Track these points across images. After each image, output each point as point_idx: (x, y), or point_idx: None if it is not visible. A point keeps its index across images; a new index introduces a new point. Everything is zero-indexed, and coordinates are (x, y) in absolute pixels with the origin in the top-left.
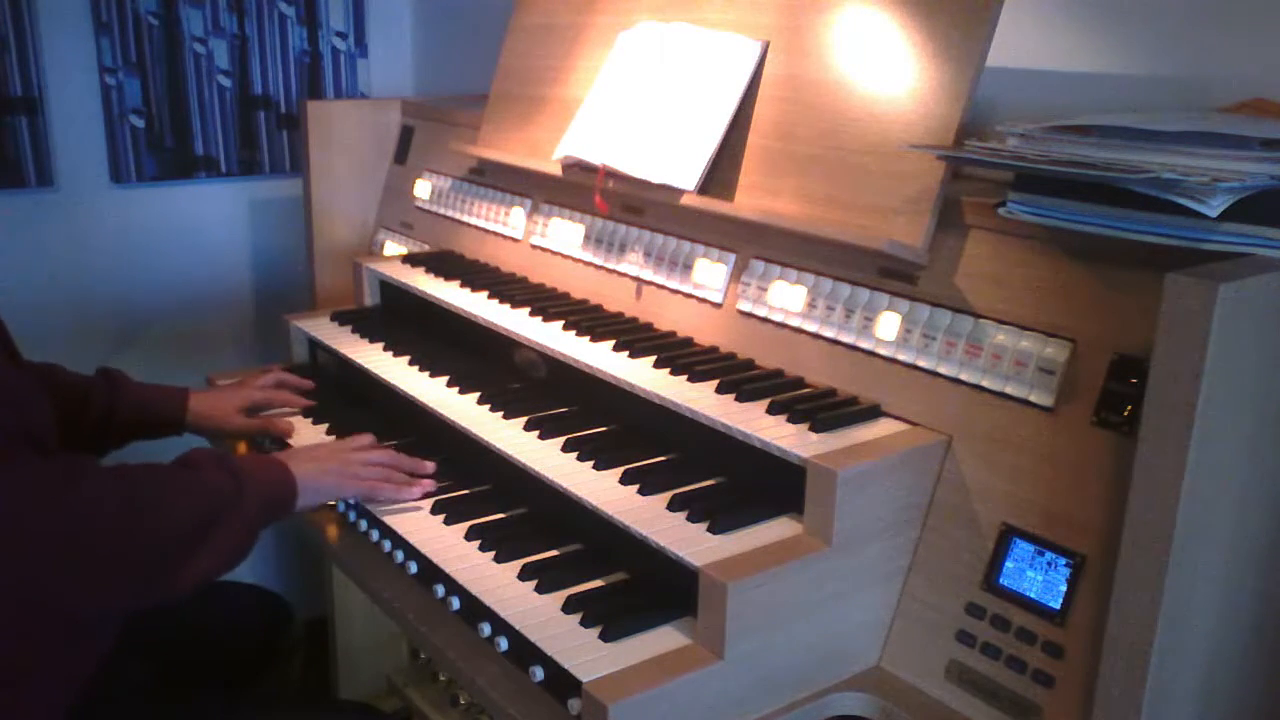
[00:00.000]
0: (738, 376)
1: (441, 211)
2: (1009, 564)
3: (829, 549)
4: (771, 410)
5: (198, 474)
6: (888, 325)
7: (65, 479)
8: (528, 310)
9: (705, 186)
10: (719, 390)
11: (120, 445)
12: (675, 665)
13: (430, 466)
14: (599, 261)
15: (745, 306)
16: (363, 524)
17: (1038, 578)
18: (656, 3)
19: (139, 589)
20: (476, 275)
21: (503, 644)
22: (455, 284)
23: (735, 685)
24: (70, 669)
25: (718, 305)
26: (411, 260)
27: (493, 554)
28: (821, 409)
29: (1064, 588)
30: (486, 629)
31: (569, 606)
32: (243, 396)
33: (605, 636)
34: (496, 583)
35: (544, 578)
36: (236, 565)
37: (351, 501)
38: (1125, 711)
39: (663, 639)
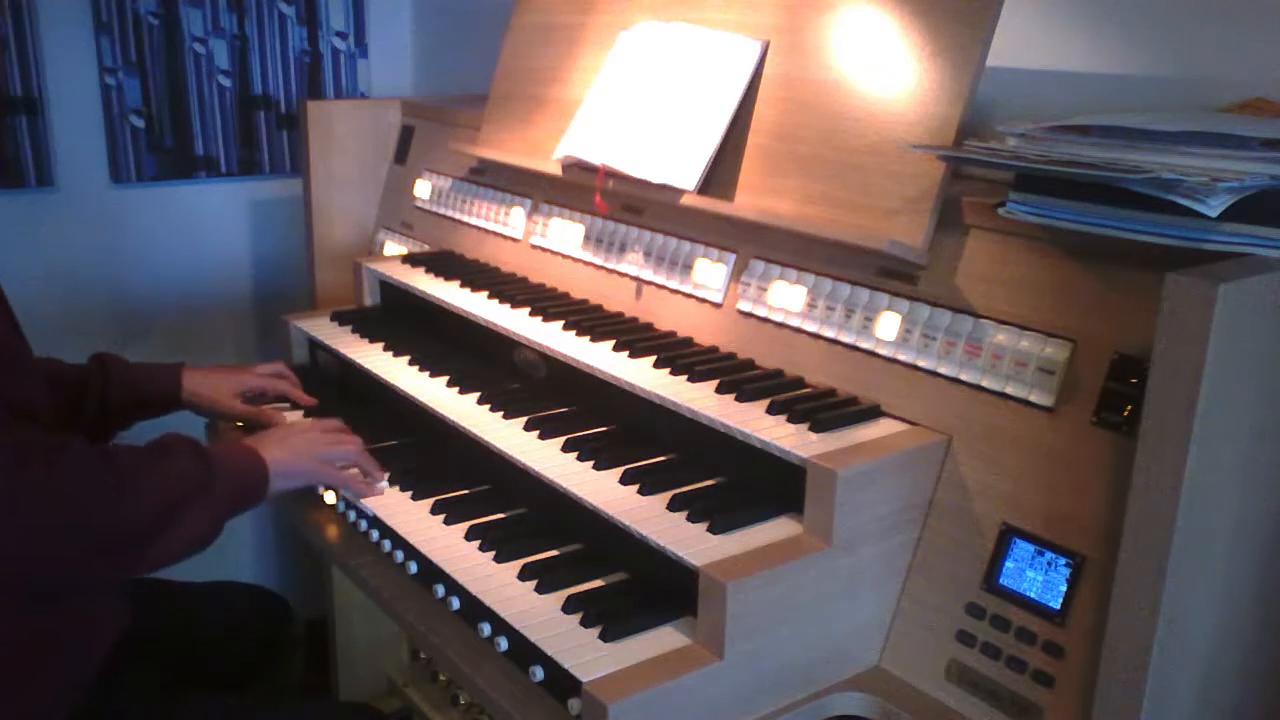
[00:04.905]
0: (738, 376)
1: (441, 211)
2: (1009, 564)
3: (829, 549)
4: (771, 410)
5: (172, 460)
6: (888, 325)
7: (47, 452)
8: (528, 310)
9: (705, 186)
10: (719, 390)
11: (124, 426)
12: (675, 665)
13: (383, 478)
14: (599, 261)
15: (745, 306)
16: (363, 524)
17: (1038, 578)
18: (656, 3)
19: (103, 564)
20: (476, 275)
21: (503, 644)
22: (455, 284)
23: (735, 685)
24: (70, 671)
25: (718, 305)
26: (411, 260)
27: (493, 554)
28: (821, 409)
29: (1064, 588)
30: (486, 629)
31: (569, 606)
32: (240, 381)
33: (605, 636)
34: (496, 583)
35: (544, 578)
36: (200, 550)
37: (355, 508)
38: (1125, 711)
39: (663, 639)
